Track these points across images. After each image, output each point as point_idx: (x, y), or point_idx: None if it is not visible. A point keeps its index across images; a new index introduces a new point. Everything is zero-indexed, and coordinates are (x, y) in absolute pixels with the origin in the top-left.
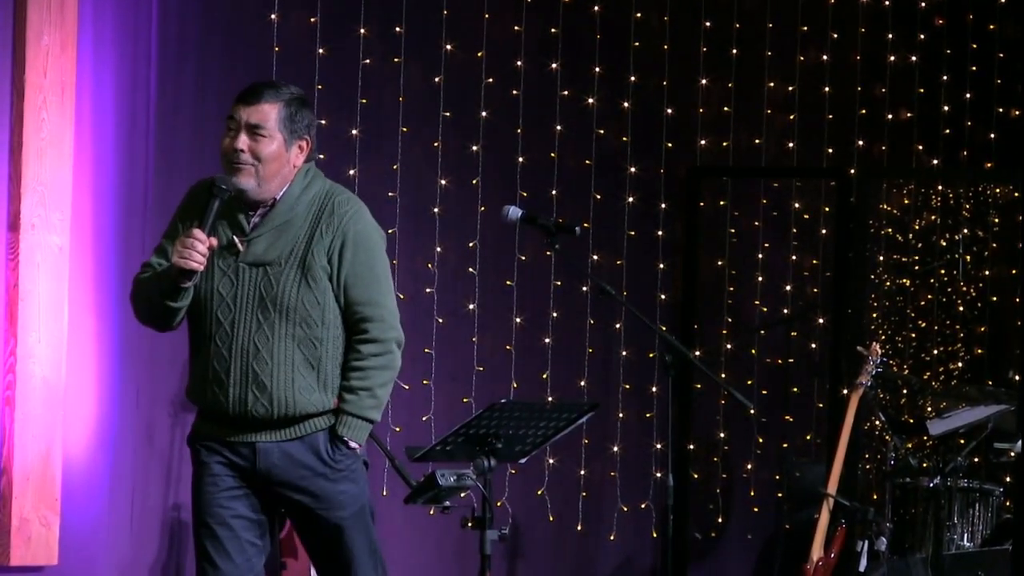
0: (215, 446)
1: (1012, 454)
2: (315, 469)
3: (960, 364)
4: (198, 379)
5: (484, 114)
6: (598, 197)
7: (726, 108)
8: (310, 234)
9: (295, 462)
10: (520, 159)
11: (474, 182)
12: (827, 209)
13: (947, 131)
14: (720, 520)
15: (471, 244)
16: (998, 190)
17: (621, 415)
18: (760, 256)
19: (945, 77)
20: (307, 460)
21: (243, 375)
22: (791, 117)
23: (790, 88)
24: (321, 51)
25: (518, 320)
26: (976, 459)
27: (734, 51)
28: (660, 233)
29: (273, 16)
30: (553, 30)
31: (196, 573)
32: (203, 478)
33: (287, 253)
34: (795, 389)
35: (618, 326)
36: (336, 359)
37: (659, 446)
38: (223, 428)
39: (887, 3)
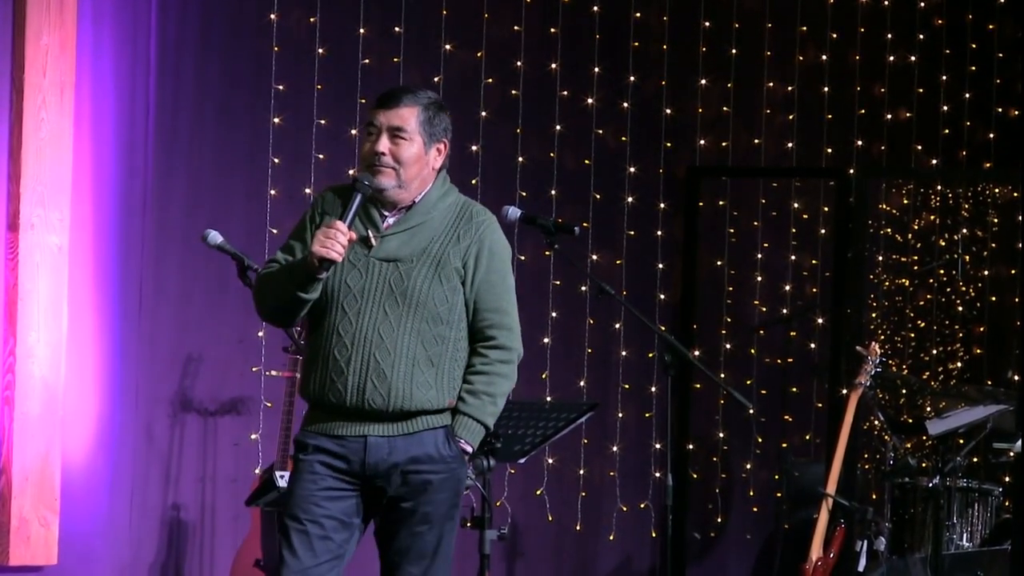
0: (323, 443)
1: (1011, 454)
2: (423, 465)
3: (959, 364)
4: (316, 370)
5: (483, 114)
6: (597, 197)
7: (725, 108)
8: (446, 236)
9: (404, 457)
10: (519, 159)
11: (473, 182)
12: (826, 209)
13: (946, 131)
14: (719, 520)
15: None
16: (997, 190)
17: (620, 415)
18: (759, 256)
19: (944, 77)
20: (416, 455)
21: (364, 364)
22: (790, 117)
23: (789, 88)
24: (320, 51)
25: None
26: (975, 459)
27: (733, 51)
28: (659, 233)
29: (273, 16)
30: (552, 30)
31: (276, 561)
32: (303, 474)
33: (420, 251)
34: (794, 389)
35: (617, 326)
36: (456, 361)
37: (658, 446)
38: (335, 421)
39: (886, 3)
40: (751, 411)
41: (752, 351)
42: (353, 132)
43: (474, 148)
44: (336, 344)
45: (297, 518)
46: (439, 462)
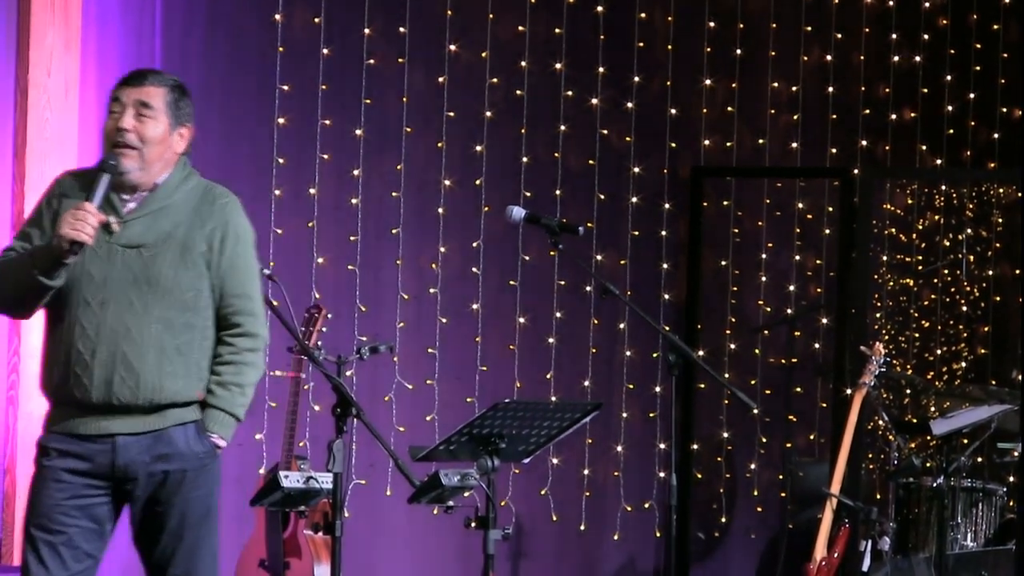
0: (67, 446)
1: (1015, 454)
2: (174, 463)
3: (963, 364)
4: (58, 364)
5: (488, 114)
6: (602, 197)
7: (730, 108)
8: (190, 220)
9: (154, 456)
10: (524, 159)
11: (477, 182)
12: (830, 209)
13: (950, 131)
14: (723, 520)
15: (475, 244)
16: (1001, 190)
17: (624, 415)
18: (763, 256)
19: (949, 77)
20: (166, 453)
21: (110, 356)
22: (795, 117)
23: (794, 88)
24: (325, 51)
25: (522, 320)
26: (979, 459)
27: (738, 51)
28: (664, 233)
29: (277, 16)
30: (557, 30)
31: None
32: (47, 481)
33: (165, 235)
34: (798, 389)
35: (622, 326)
36: (204, 350)
37: (662, 446)
38: (80, 420)
39: (891, 3)
40: (755, 411)
41: (756, 351)
42: (357, 132)
43: (478, 148)
44: (79, 336)
45: (46, 528)
46: (191, 459)
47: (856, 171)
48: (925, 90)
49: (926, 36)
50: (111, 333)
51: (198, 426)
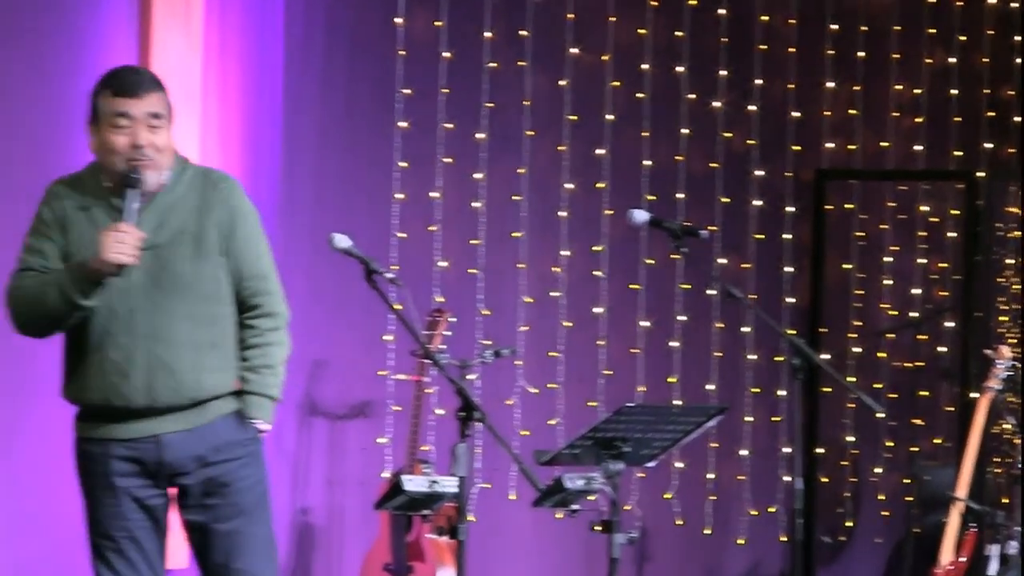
0: (113, 450)
1: None
2: (221, 454)
3: None
4: (92, 376)
5: (609, 117)
6: (724, 200)
7: (852, 111)
8: (197, 210)
9: (200, 450)
10: (646, 162)
11: (599, 185)
12: (954, 212)
13: None
14: (848, 524)
15: (597, 248)
16: None
17: (748, 419)
18: (887, 259)
19: None
20: (214, 444)
21: (146, 361)
22: (918, 120)
23: (917, 91)
24: (446, 55)
25: (645, 324)
26: None
27: (860, 54)
28: (787, 236)
29: (399, 20)
30: (679, 33)
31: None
32: (100, 490)
33: (176, 232)
34: (923, 393)
35: (745, 329)
36: (234, 338)
37: (787, 450)
38: (123, 426)
39: (1014, 5)
40: (880, 415)
41: (881, 354)
42: (479, 136)
43: (600, 151)
44: (111, 346)
45: (109, 536)
46: (237, 448)
47: (980, 173)
48: None
49: None
50: (143, 338)
51: (239, 415)
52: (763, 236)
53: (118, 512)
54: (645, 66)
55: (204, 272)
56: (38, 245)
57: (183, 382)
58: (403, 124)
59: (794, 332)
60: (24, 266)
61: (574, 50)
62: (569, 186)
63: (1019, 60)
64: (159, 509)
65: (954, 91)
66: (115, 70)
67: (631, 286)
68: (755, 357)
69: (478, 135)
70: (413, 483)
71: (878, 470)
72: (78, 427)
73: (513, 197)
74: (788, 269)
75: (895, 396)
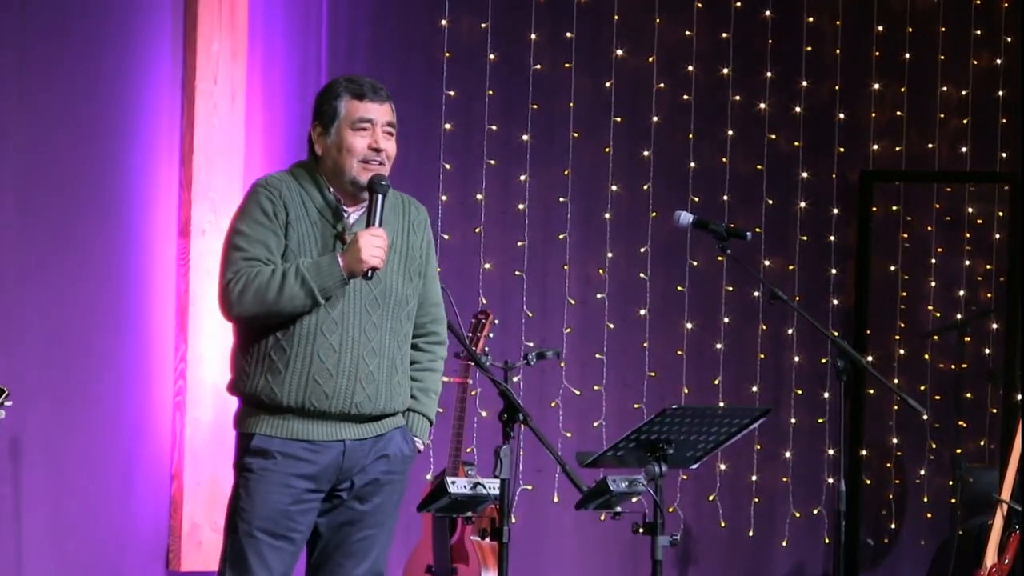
0: (293, 451)
1: None
2: (387, 465)
3: None
4: (291, 372)
5: (655, 119)
6: (770, 202)
7: (899, 112)
8: (402, 229)
9: (374, 459)
10: (691, 164)
11: (645, 187)
12: (1000, 214)
13: None
14: (893, 526)
15: (642, 249)
16: None
17: (793, 420)
18: (933, 261)
19: None
20: (387, 454)
21: (353, 366)
22: (964, 121)
23: (963, 92)
24: (492, 57)
25: (689, 325)
26: None
27: (906, 55)
28: (832, 238)
29: (444, 22)
30: (724, 35)
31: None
32: (272, 485)
33: (389, 246)
34: (969, 394)
35: (790, 331)
36: (409, 358)
37: (831, 452)
38: (312, 426)
39: None
40: (925, 417)
41: (926, 356)
42: (524, 138)
43: (645, 153)
44: (321, 347)
45: (273, 532)
46: (400, 461)
47: None
48: None
49: None
50: (353, 344)
51: (404, 429)
52: (808, 238)
53: (287, 512)
54: (690, 68)
55: (409, 291)
56: (262, 237)
57: (380, 393)
58: (448, 126)
59: (839, 334)
60: (250, 255)
61: (619, 52)
62: (614, 188)
63: None
64: (312, 521)
65: (1000, 92)
66: (354, 76)
67: (676, 288)
68: (799, 359)
69: (523, 137)
70: (457, 485)
71: (922, 472)
72: (252, 423)
73: (558, 199)
74: (833, 271)
75: (940, 398)
